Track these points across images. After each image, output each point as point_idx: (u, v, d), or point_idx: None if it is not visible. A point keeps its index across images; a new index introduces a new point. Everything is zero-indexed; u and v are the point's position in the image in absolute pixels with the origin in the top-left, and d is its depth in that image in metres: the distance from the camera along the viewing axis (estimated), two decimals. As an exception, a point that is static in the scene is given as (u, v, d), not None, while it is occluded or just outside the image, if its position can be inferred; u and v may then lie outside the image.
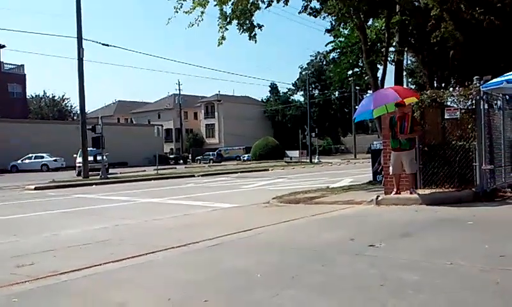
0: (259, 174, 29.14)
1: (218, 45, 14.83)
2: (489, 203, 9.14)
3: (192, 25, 14.53)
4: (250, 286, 4.43)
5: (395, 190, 9.92)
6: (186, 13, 14.20)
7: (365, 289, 4.16)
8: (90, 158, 28.42)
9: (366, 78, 22.14)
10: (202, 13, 14.18)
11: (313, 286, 4.30)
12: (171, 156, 66.34)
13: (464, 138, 10.08)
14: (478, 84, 9.70)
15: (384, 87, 17.05)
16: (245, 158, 65.99)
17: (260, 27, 15.25)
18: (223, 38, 14.75)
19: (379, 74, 17.87)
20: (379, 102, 10.21)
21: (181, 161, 63.42)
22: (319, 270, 4.86)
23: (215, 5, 13.91)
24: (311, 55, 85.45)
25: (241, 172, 31.56)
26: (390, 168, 10.02)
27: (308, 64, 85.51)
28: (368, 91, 54.70)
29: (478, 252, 5.33)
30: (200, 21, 14.34)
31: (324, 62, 72.09)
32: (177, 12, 14.28)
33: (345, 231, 7.09)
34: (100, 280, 4.98)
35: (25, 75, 61.05)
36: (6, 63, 59.33)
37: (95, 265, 5.47)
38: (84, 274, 5.13)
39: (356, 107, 57.71)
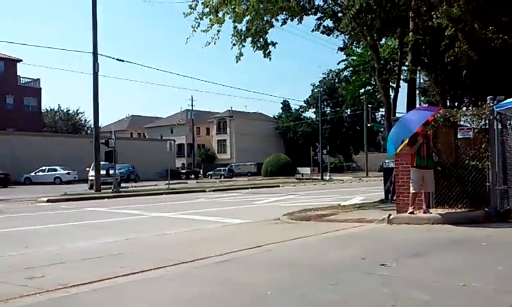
0: (270, 190, 29.08)
1: (236, 62, 14.96)
2: (502, 224, 9.02)
3: (209, 44, 14.71)
4: (260, 303, 4.40)
5: (411, 208, 9.78)
6: (204, 31, 14.35)
7: (376, 309, 4.12)
8: (103, 172, 28.60)
9: (378, 96, 22.11)
10: (218, 31, 14.33)
11: (324, 305, 4.26)
12: (182, 171, 66.49)
13: (478, 158, 9.99)
14: (491, 104, 9.63)
15: (397, 106, 17.06)
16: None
17: (274, 44, 15.35)
18: (241, 54, 14.87)
19: (392, 92, 17.84)
20: (414, 124, 9.71)
21: (192, 176, 63.54)
22: (330, 288, 4.82)
23: (230, 18, 14.04)
24: (323, 73, 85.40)
25: (252, 188, 31.53)
26: (413, 186, 9.82)
27: (320, 81, 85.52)
28: (381, 109, 54.56)
29: (491, 274, 5.25)
30: (216, 39, 14.51)
31: (337, 80, 72.19)
32: (195, 31, 14.44)
33: (357, 249, 7.03)
34: (110, 294, 4.99)
35: (40, 89, 61.75)
36: (22, 77, 60.17)
37: (105, 279, 5.47)
38: (94, 288, 5.13)
39: (368, 125, 58.00)
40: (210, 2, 14.03)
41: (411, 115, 10.85)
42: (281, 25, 15.49)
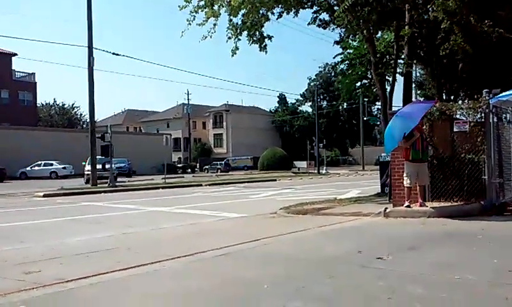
0: (266, 184, 29.10)
1: (232, 56, 14.93)
2: (498, 217, 9.07)
3: (206, 38, 14.64)
4: (256, 297, 4.42)
5: (407, 202, 9.81)
6: (199, 25, 14.30)
7: (373, 302, 4.14)
8: (99, 166, 28.55)
9: (374, 90, 22.10)
10: (215, 25, 14.28)
11: (320, 298, 4.28)
12: (179, 165, 66.41)
13: (473, 151, 10.03)
14: (487, 97, 9.66)
15: (393, 99, 17.07)
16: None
17: (269, 38, 15.34)
18: (237, 48, 14.83)
19: (388, 86, 17.85)
20: (416, 115, 9.67)
21: (189, 170, 63.49)
22: (326, 282, 4.84)
23: (225, 11, 13.98)
24: (319, 67, 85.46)
25: (248, 182, 31.54)
26: (408, 180, 9.82)
27: (316, 75, 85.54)
28: (377, 103, 54.64)
29: (486, 267, 5.28)
30: (212, 33, 14.45)
31: (333, 74, 72.08)
32: (190, 24, 14.39)
33: (353, 243, 7.06)
34: (107, 288, 4.99)
35: (35, 83, 61.47)
36: (17, 71, 59.85)
37: (102, 273, 5.48)
38: (91, 282, 5.14)
39: (365, 118, 58.02)
40: (206, -5, 13.97)
41: (408, 109, 10.76)
42: (277, 19, 15.48)
